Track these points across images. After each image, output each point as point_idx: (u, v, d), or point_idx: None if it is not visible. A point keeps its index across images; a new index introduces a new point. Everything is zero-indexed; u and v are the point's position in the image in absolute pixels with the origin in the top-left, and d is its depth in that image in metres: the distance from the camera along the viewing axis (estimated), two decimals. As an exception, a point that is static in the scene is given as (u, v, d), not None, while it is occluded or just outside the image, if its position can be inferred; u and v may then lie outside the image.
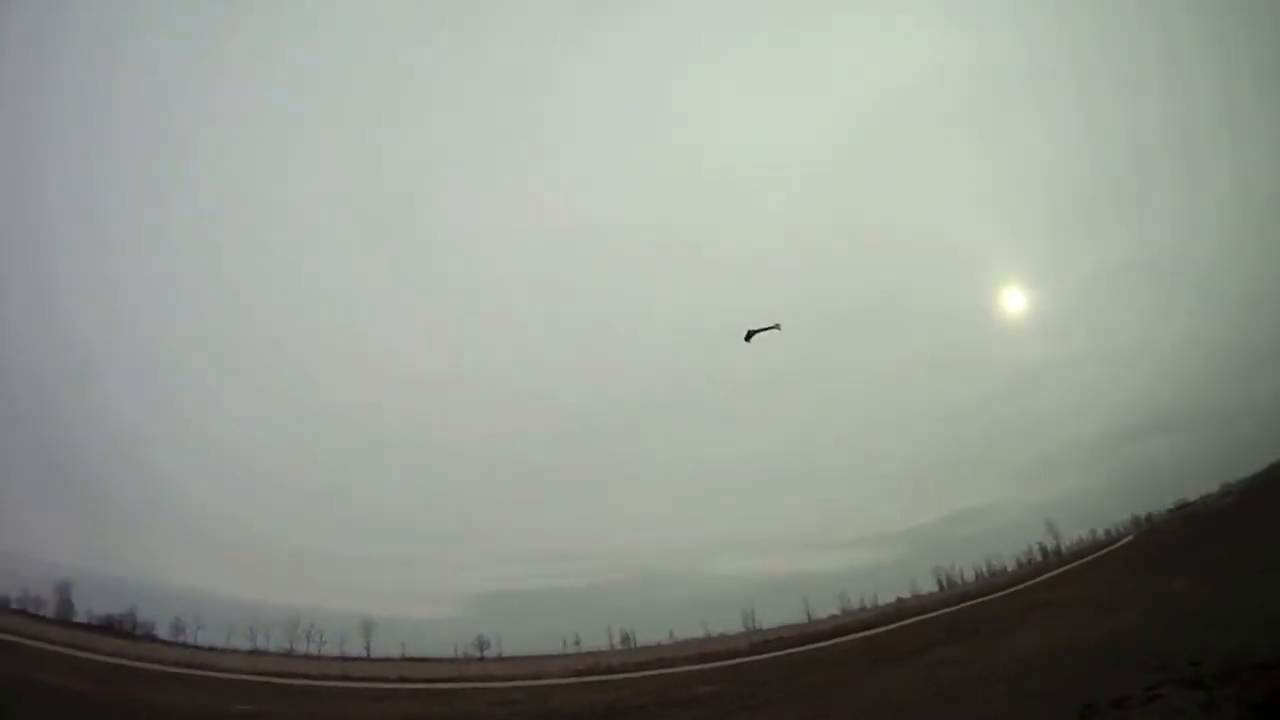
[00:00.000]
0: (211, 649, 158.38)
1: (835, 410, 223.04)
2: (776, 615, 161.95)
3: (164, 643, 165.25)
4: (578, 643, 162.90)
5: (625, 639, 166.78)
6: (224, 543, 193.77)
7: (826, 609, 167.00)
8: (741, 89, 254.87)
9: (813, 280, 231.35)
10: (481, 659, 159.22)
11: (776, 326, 63.92)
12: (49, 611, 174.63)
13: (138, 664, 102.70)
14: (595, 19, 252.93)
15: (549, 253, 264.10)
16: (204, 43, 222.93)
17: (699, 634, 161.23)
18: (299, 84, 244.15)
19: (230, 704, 69.59)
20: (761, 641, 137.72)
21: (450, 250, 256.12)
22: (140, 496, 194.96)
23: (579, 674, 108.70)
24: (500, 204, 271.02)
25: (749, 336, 63.73)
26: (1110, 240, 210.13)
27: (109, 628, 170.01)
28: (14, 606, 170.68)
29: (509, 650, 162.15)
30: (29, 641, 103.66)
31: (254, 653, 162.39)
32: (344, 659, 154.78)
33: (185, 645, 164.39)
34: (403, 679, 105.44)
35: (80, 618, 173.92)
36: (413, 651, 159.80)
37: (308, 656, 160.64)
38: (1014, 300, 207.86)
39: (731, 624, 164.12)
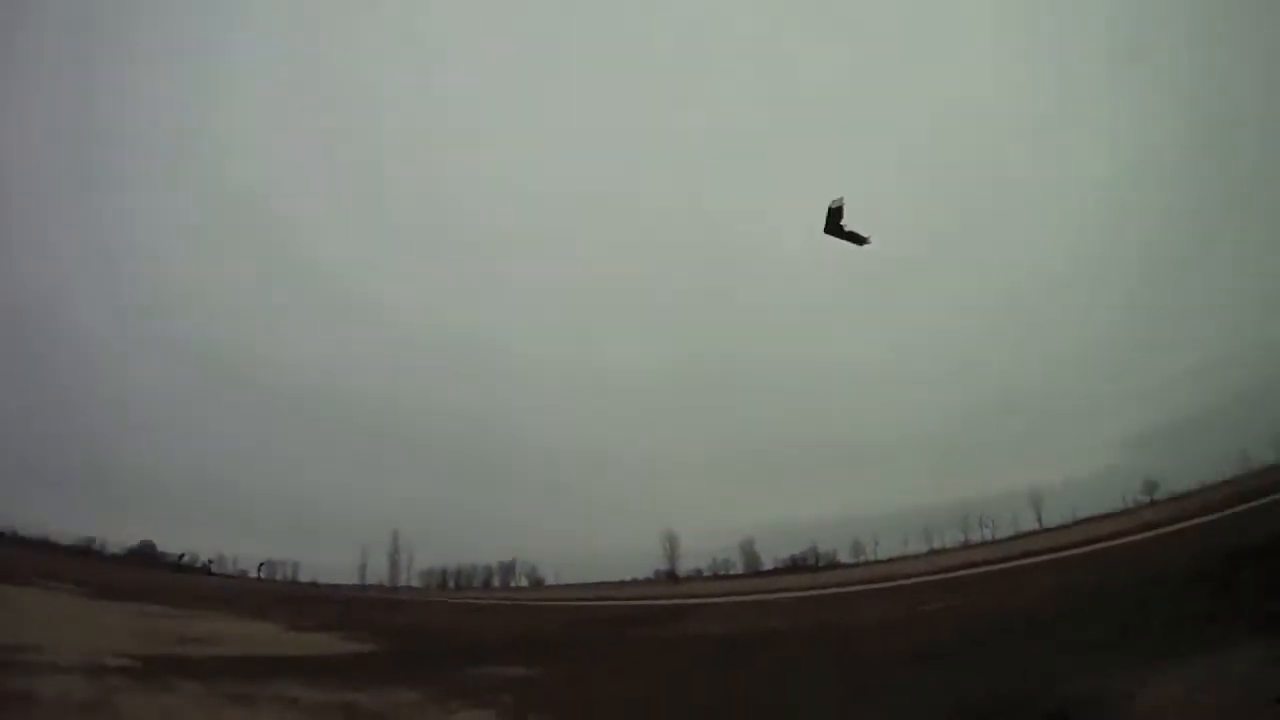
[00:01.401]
0: (890, 560, 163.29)
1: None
2: None
3: (846, 566, 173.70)
4: (1245, 459, 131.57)
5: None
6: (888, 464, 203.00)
7: None
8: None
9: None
10: (1152, 503, 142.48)
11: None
12: (739, 568, 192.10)
13: (826, 591, 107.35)
14: None
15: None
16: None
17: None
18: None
19: (917, 605, 69.23)
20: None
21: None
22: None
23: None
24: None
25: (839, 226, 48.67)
26: None
27: (794, 567, 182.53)
28: (706, 574, 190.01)
29: (1176, 487, 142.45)
30: (721, 599, 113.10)
31: (932, 553, 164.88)
32: (1019, 536, 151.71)
33: (866, 563, 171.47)
34: (1084, 542, 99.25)
35: (767, 565, 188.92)
36: (1083, 513, 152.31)
37: (984, 544, 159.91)
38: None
39: None
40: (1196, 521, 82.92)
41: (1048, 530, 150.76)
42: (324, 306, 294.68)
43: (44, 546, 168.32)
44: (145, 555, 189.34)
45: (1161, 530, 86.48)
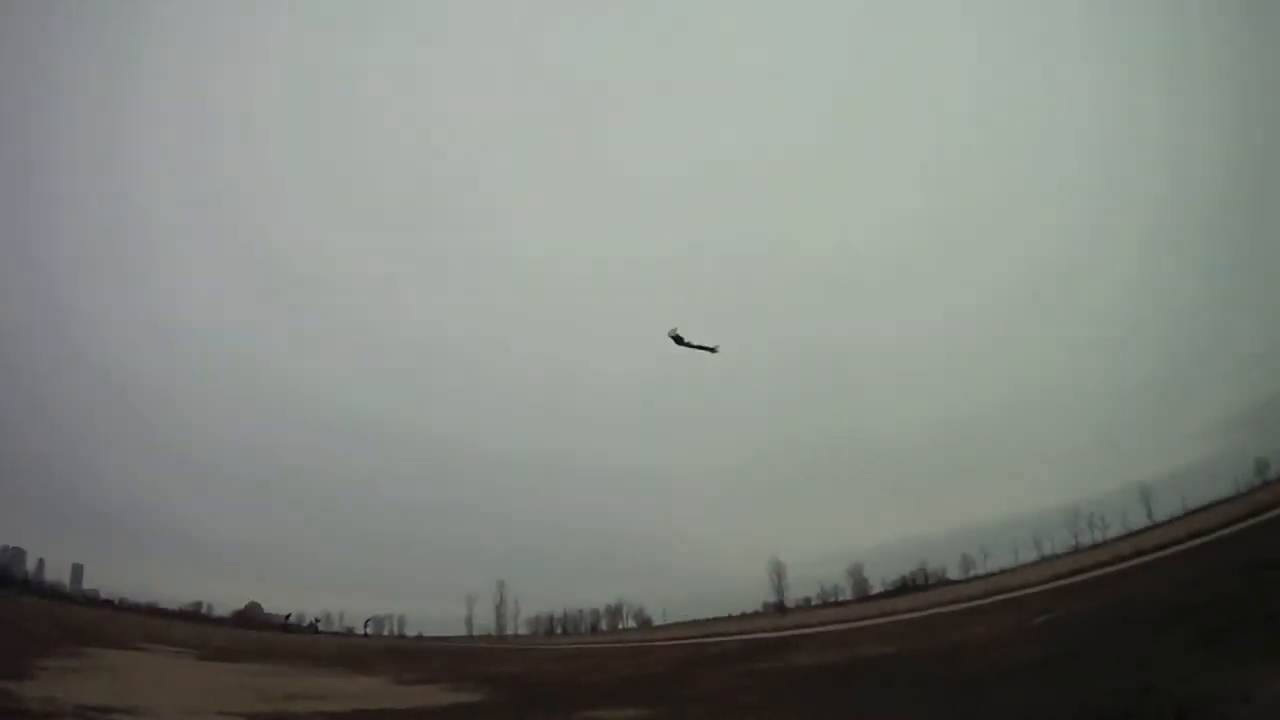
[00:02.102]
0: (1000, 572, 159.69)
1: None
2: None
3: (956, 583, 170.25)
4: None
5: None
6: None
7: None
8: None
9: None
10: (1264, 485, 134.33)
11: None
12: (847, 594, 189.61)
13: (935, 610, 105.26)
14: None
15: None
16: None
17: None
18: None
19: (1027, 618, 67.28)
20: None
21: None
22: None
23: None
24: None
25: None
26: None
27: (904, 588, 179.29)
28: (815, 602, 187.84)
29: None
30: (829, 628, 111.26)
31: (1041, 561, 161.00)
32: (1130, 535, 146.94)
33: (976, 578, 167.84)
34: (1195, 534, 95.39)
35: (875, 589, 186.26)
36: (1194, 502, 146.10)
37: (1094, 546, 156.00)
38: None
39: None
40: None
41: (1158, 525, 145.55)
42: (409, 360, 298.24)
43: (152, 612, 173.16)
44: (252, 617, 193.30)
45: (1273, 513, 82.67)
